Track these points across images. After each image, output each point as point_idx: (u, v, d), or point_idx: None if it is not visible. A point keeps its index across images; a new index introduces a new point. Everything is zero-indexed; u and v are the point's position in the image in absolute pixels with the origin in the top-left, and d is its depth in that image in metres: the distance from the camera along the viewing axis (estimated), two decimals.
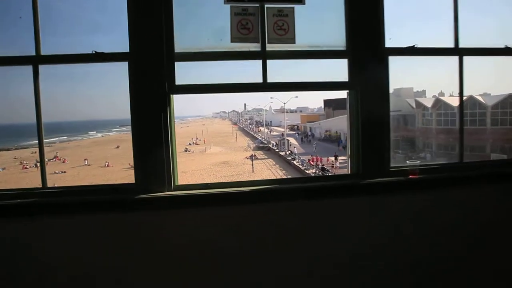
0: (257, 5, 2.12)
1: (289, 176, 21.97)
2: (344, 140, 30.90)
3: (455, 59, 2.36)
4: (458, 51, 2.35)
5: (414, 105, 23.08)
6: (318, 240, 2.20)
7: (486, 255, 2.33)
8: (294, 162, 24.97)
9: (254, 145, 35.98)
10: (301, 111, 57.21)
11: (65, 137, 42.90)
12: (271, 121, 52.30)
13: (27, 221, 1.98)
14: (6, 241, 1.97)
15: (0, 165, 25.12)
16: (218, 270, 2.11)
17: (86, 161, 26.69)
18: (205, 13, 2.26)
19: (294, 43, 2.18)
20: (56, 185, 2.22)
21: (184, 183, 2.18)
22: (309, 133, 40.23)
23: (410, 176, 2.27)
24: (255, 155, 28.41)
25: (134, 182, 2.09)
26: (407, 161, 2.30)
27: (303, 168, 22.97)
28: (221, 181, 2.05)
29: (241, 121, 64.41)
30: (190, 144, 36.48)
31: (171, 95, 2.11)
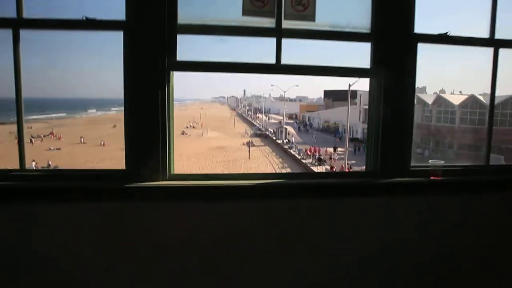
0: None
1: (285, 165, 21.91)
2: (342, 131, 30.78)
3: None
4: (494, 42, 2.10)
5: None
6: (329, 241, 1.99)
7: None
8: (291, 151, 24.81)
9: (251, 131, 35.80)
10: (300, 101, 56.93)
11: (64, 114, 42.50)
12: (269, 109, 51.97)
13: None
14: None
15: None
16: (216, 270, 1.90)
17: (82, 139, 26.51)
18: None
19: (314, 21, 1.91)
20: (36, 167, 1.97)
21: (180, 172, 1.94)
22: (308, 123, 40.03)
23: (432, 178, 2.06)
24: (252, 142, 28.30)
25: (124, 168, 1.85)
26: (429, 161, 2.08)
27: (299, 157, 22.82)
28: (222, 172, 1.79)
29: (240, 107, 63.95)
30: (187, 127, 36.27)
31: (171, 72, 1.85)
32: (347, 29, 1.99)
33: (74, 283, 1.82)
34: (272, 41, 1.89)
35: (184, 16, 1.82)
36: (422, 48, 2.04)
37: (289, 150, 25.24)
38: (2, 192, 1.73)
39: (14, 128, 2.26)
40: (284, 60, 1.90)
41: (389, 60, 1.98)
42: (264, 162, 23.19)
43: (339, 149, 23.33)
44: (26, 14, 1.77)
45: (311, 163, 21.05)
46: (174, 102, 1.94)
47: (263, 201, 1.91)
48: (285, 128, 30.64)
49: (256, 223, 1.92)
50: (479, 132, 19.43)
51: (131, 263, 1.83)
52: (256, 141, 30.53)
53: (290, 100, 52.49)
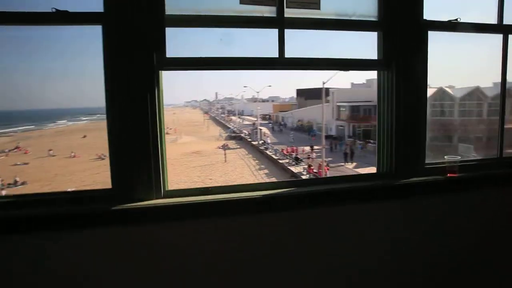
0: None
1: (262, 166, 21.74)
2: (316, 129, 31.07)
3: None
4: (503, 28, 1.99)
5: None
6: (343, 251, 1.79)
7: None
8: (267, 151, 24.67)
9: (226, 134, 35.43)
10: (273, 101, 57.15)
11: (33, 126, 40.31)
12: (243, 110, 51.78)
13: None
14: None
15: None
16: None
17: (51, 151, 24.96)
18: None
19: (319, 9, 1.72)
20: (2, 184, 1.62)
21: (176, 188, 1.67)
22: (282, 123, 40.15)
23: (449, 175, 1.91)
24: (227, 145, 27.99)
25: (110, 187, 1.55)
26: (445, 157, 1.94)
27: (276, 157, 22.72)
28: (222, 185, 1.53)
29: (213, 110, 63.25)
30: None
31: (160, 71, 1.58)
32: (353, 18, 1.80)
33: None
34: (273, 32, 1.67)
35: (173, 6, 1.56)
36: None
37: (265, 151, 25.09)
38: None
39: None
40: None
41: (399, 50, 1.81)
42: (241, 164, 22.92)
43: (315, 147, 23.43)
44: None
45: (288, 163, 20.99)
46: None
47: (270, 213, 1.68)
48: (259, 129, 30.53)
49: (266, 237, 1.68)
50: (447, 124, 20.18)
51: None
52: (231, 143, 30.26)
53: (263, 100, 52.53)
